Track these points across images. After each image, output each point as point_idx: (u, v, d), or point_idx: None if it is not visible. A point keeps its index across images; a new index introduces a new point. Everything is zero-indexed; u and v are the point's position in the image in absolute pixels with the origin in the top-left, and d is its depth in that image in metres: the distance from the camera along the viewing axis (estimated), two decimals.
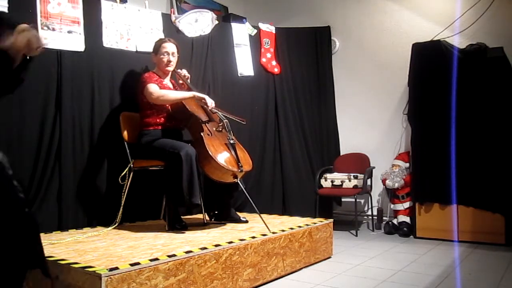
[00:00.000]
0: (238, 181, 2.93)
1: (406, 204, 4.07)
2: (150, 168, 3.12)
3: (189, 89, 3.28)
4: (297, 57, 4.64)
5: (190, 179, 2.74)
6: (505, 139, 3.55)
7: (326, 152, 4.69)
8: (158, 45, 3.16)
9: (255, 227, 2.94)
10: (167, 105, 3.09)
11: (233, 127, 3.16)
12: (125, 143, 3.16)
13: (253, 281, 2.49)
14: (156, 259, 2.02)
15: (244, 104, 4.19)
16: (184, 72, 3.33)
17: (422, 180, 3.87)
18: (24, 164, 2.82)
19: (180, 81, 3.33)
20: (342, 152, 4.74)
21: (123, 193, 3.05)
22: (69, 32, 3.02)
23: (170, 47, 3.15)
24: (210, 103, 3.05)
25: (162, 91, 3.01)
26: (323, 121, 4.72)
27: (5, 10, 2.72)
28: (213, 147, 2.86)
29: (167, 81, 3.22)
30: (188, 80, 3.34)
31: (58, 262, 2.00)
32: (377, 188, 4.50)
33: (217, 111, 3.11)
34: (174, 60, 3.18)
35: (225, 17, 4.46)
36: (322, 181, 4.28)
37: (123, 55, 3.33)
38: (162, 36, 3.52)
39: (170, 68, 3.18)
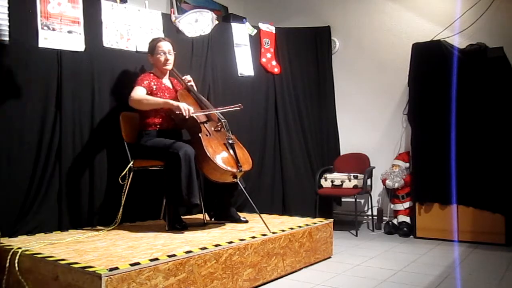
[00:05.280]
0: (238, 181, 2.93)
1: (406, 204, 4.07)
2: (150, 168, 3.12)
3: (187, 88, 3.26)
4: (297, 57, 4.64)
5: (189, 179, 2.74)
6: (505, 139, 3.55)
7: (326, 152, 4.69)
8: (153, 45, 3.15)
9: (255, 227, 2.94)
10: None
11: (232, 127, 3.16)
12: (125, 143, 3.15)
13: (253, 281, 2.49)
14: (156, 259, 2.02)
15: (244, 104, 4.16)
16: (187, 77, 3.31)
17: (422, 180, 3.87)
18: (24, 164, 2.82)
19: (178, 82, 3.31)
20: (342, 152, 4.74)
21: (123, 193, 3.05)
22: (69, 32, 3.02)
23: (165, 45, 3.14)
24: (185, 111, 2.86)
25: (140, 96, 2.95)
26: (323, 121, 4.72)
27: (5, 9, 2.72)
28: (212, 148, 2.85)
29: (166, 80, 3.22)
30: (191, 83, 3.31)
31: (58, 262, 2.00)
32: (377, 188, 4.50)
33: (202, 112, 3.01)
34: (171, 58, 3.16)
35: (225, 17, 4.46)
36: (322, 181, 4.28)
37: (123, 55, 3.32)
38: (163, 37, 3.52)
39: (169, 67, 3.17)
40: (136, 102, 2.96)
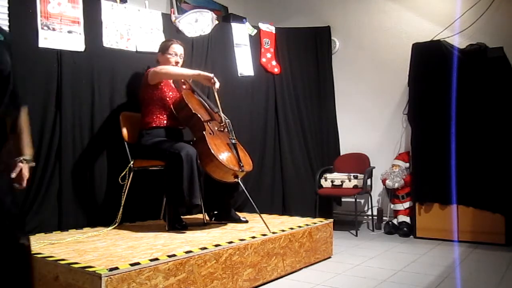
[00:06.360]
0: (239, 181, 2.93)
1: (406, 204, 4.07)
2: (150, 168, 3.12)
3: (191, 89, 3.28)
4: (297, 57, 4.64)
5: (190, 180, 2.74)
6: (505, 139, 3.55)
7: (326, 152, 4.69)
8: (168, 45, 3.17)
9: (255, 227, 2.94)
10: (169, 104, 3.09)
11: (233, 127, 3.16)
12: (125, 143, 3.16)
13: (253, 281, 2.49)
14: (156, 259, 2.02)
15: (244, 104, 4.19)
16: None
17: (422, 180, 3.87)
18: None
19: (184, 86, 3.32)
20: (342, 152, 4.74)
21: (123, 193, 3.05)
22: (69, 32, 3.02)
23: (178, 48, 3.17)
24: (218, 84, 3.02)
25: (167, 66, 3.07)
26: (323, 121, 4.72)
27: (5, 9, 2.72)
28: (215, 146, 2.86)
29: (170, 81, 3.22)
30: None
31: (58, 262, 2.00)
32: (377, 188, 4.50)
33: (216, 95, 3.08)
34: (180, 61, 3.20)
35: (225, 17, 4.46)
36: (322, 181, 4.28)
37: (123, 55, 3.33)
38: (162, 36, 3.52)
39: None
40: (164, 69, 3.03)
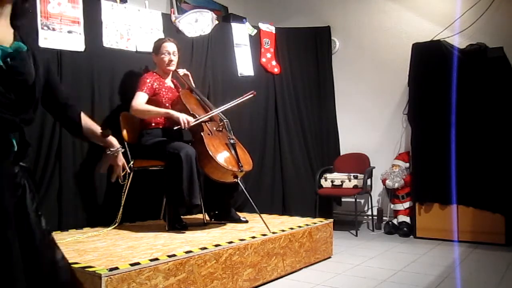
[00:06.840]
0: (239, 181, 2.93)
1: (406, 204, 4.07)
2: (150, 168, 3.12)
3: (189, 88, 3.28)
4: (297, 57, 4.64)
5: (190, 180, 2.74)
6: (505, 139, 3.55)
7: (326, 152, 4.69)
8: (159, 45, 3.16)
9: (255, 227, 2.94)
10: (168, 105, 3.09)
11: (233, 127, 3.16)
12: (125, 143, 3.15)
13: (253, 281, 2.49)
14: (156, 259, 2.02)
15: (244, 104, 4.17)
16: (183, 71, 3.32)
17: (422, 180, 3.87)
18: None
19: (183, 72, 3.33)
20: (342, 152, 4.74)
21: (123, 193, 3.05)
22: (69, 32, 3.02)
23: (170, 46, 3.15)
24: (184, 123, 2.88)
25: (141, 106, 2.96)
26: (323, 121, 4.72)
27: None
28: (214, 147, 2.86)
29: (168, 81, 3.23)
30: (190, 78, 3.35)
31: None
32: (377, 188, 4.50)
33: (203, 117, 3.01)
34: (175, 59, 3.18)
35: (225, 17, 4.46)
36: (322, 181, 4.28)
37: (123, 55, 3.33)
38: (162, 36, 3.52)
39: (172, 68, 3.18)
40: (138, 112, 2.98)
